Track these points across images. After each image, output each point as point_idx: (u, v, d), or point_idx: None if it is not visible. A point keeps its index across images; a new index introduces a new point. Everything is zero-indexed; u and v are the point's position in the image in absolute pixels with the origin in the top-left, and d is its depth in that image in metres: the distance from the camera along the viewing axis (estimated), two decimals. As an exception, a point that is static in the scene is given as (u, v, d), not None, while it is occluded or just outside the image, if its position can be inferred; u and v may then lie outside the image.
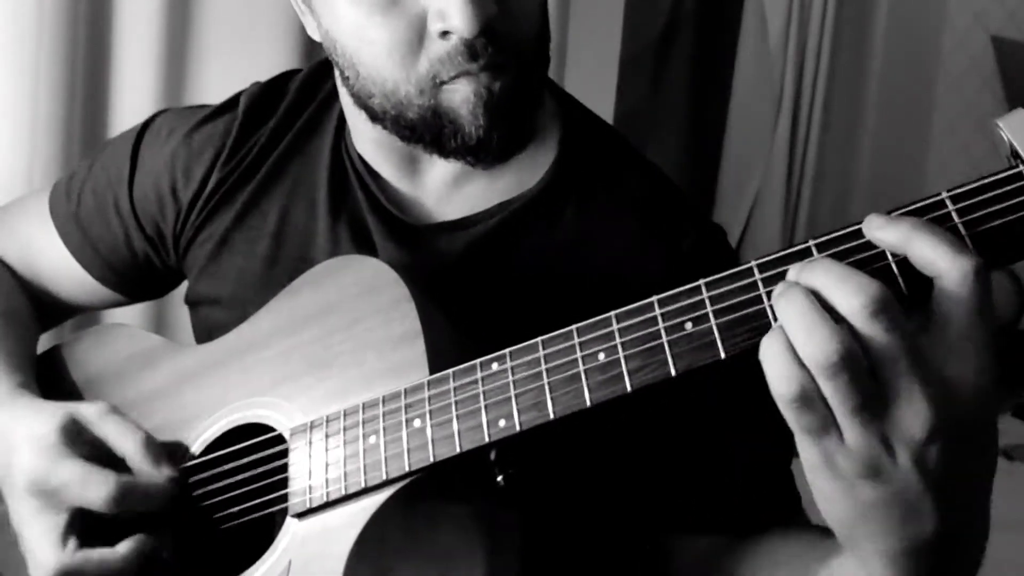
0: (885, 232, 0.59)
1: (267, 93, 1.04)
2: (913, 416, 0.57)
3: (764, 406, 0.62)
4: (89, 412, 0.87)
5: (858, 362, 0.56)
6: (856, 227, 0.62)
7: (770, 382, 0.58)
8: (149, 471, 0.84)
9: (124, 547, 0.82)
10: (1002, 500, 2.58)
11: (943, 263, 0.57)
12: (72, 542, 0.82)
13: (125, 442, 0.85)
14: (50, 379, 0.99)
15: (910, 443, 0.58)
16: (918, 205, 0.61)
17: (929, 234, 0.58)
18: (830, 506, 0.63)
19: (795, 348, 0.57)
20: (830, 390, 0.57)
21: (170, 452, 0.87)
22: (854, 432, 0.58)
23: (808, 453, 0.61)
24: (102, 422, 0.86)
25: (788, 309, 0.58)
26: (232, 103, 1.05)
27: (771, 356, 0.58)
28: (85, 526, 0.83)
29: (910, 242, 0.58)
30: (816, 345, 0.56)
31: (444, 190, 0.95)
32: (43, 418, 0.86)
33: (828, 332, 0.56)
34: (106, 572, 0.81)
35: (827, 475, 0.61)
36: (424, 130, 0.86)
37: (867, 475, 0.59)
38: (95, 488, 0.81)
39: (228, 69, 1.75)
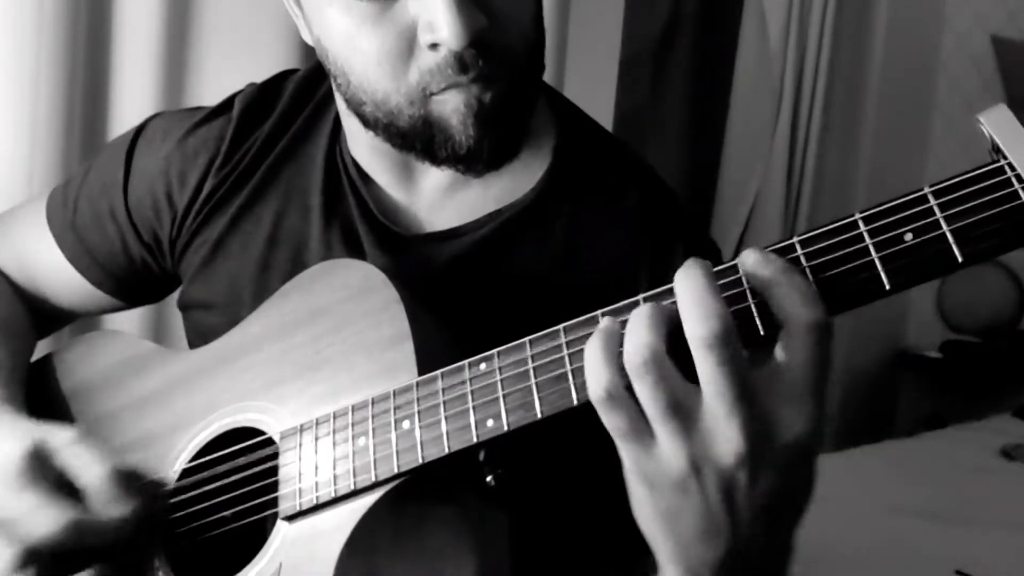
0: (755, 270, 0.63)
1: (262, 95, 1.03)
2: (726, 444, 0.61)
3: None
4: (58, 439, 0.84)
5: (664, 367, 0.61)
6: (840, 223, 0.63)
7: (586, 379, 0.64)
8: (107, 506, 0.82)
9: None
10: (1002, 500, 2.56)
11: (789, 311, 0.61)
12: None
13: (86, 475, 0.83)
14: (42, 387, 0.99)
15: (718, 468, 0.62)
16: (900, 201, 0.62)
17: (784, 283, 0.62)
18: (636, 508, 0.67)
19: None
20: (638, 389, 0.62)
21: (160, 457, 0.87)
22: (664, 438, 0.62)
23: (621, 454, 0.65)
24: (68, 451, 0.84)
25: (632, 314, 0.64)
26: (226, 106, 1.04)
27: (589, 354, 0.64)
28: (51, 557, 0.82)
29: (769, 287, 0.62)
30: (629, 342, 0.62)
31: (438, 197, 0.94)
32: (12, 442, 0.84)
33: (641, 336, 0.62)
34: None
35: (635, 479, 0.65)
36: (415, 138, 0.85)
37: (672, 487, 0.63)
38: (44, 525, 0.80)
39: (228, 69, 1.76)
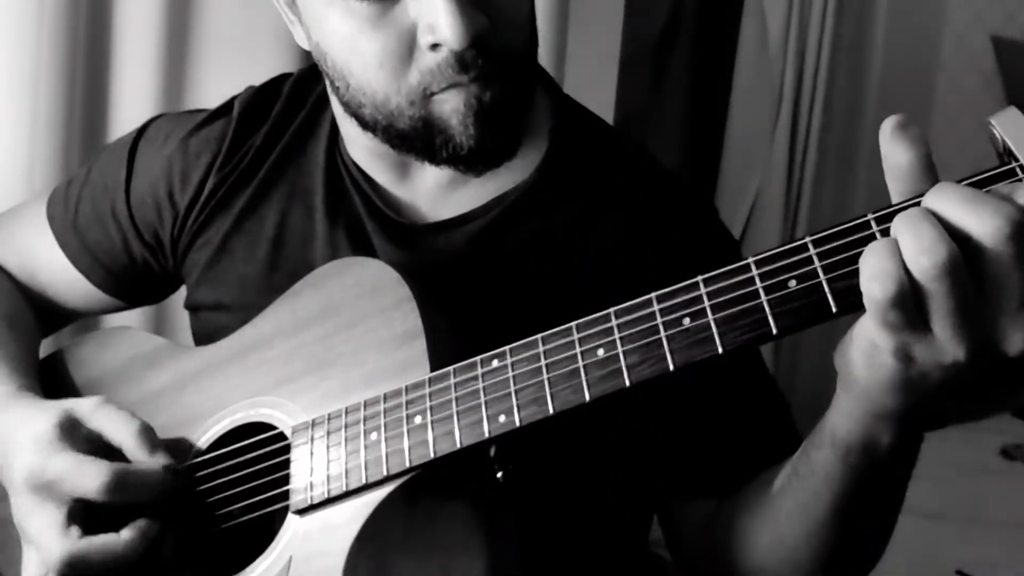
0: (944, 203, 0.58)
1: (260, 97, 1.04)
2: (1014, 341, 0.58)
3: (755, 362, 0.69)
4: (85, 407, 0.87)
5: (961, 268, 0.56)
6: (854, 222, 0.62)
7: (867, 280, 0.58)
8: (145, 459, 0.84)
9: (128, 531, 0.82)
10: (1002, 500, 2.55)
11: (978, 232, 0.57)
12: (75, 530, 0.82)
13: (119, 432, 0.85)
14: (54, 382, 1.00)
15: (1002, 360, 0.59)
16: (912, 200, 0.61)
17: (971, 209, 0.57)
18: (871, 373, 0.63)
19: (902, 254, 0.57)
20: (933, 291, 0.57)
21: (174, 451, 0.88)
22: (946, 333, 0.58)
23: (881, 339, 0.60)
24: (97, 415, 0.86)
25: (901, 220, 0.58)
26: (227, 108, 1.05)
27: (872, 254, 0.58)
28: (89, 519, 0.83)
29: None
30: (926, 248, 0.56)
31: (438, 193, 0.95)
32: (42, 417, 0.86)
33: (938, 235, 0.56)
34: (111, 557, 0.81)
35: (893, 355, 0.61)
36: (415, 139, 0.86)
37: (939, 367, 0.60)
38: (89, 477, 0.81)
39: (228, 70, 1.75)
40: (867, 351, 0.62)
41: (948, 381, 0.61)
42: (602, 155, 0.97)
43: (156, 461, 0.84)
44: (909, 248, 0.57)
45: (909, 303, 0.58)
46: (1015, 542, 2.16)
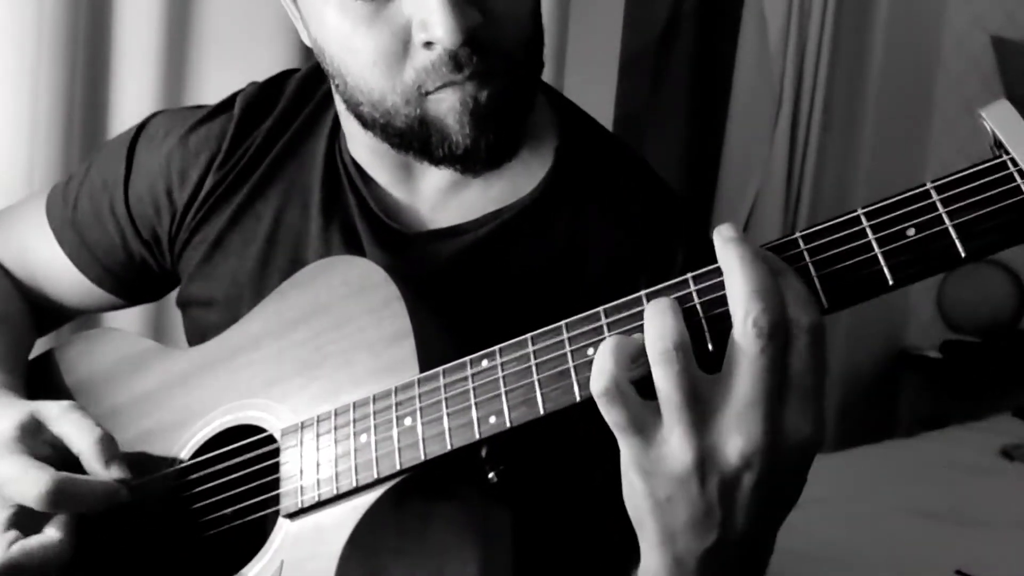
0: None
1: (263, 94, 1.03)
2: (738, 443, 0.62)
3: None
4: (52, 411, 0.86)
5: (690, 356, 0.61)
6: (844, 218, 0.63)
7: (591, 375, 0.64)
8: (99, 470, 0.83)
9: (53, 530, 0.81)
10: (1002, 500, 2.56)
11: (788, 314, 0.61)
12: (11, 535, 0.81)
13: (79, 441, 0.84)
14: (43, 383, 0.99)
15: (724, 466, 0.62)
16: (902, 196, 0.62)
17: (781, 285, 0.61)
18: (629, 496, 0.67)
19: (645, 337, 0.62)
20: (661, 375, 0.61)
21: (161, 455, 0.87)
22: (675, 429, 0.62)
23: (621, 446, 0.65)
24: (61, 420, 0.85)
25: (656, 301, 0.64)
26: (228, 104, 1.04)
27: (599, 351, 0.64)
28: (35, 522, 0.82)
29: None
30: (654, 328, 0.62)
31: (439, 197, 0.94)
32: (7, 415, 0.85)
33: (669, 322, 0.62)
34: (50, 558, 0.80)
35: (633, 469, 0.65)
36: (412, 138, 0.85)
37: (673, 479, 0.63)
38: (29, 485, 0.80)
39: (228, 69, 1.75)
40: (623, 474, 0.66)
41: (683, 500, 0.64)
42: (608, 177, 0.96)
43: (109, 473, 0.83)
44: (651, 330, 0.62)
45: (628, 395, 0.63)
46: (1015, 542, 2.16)
